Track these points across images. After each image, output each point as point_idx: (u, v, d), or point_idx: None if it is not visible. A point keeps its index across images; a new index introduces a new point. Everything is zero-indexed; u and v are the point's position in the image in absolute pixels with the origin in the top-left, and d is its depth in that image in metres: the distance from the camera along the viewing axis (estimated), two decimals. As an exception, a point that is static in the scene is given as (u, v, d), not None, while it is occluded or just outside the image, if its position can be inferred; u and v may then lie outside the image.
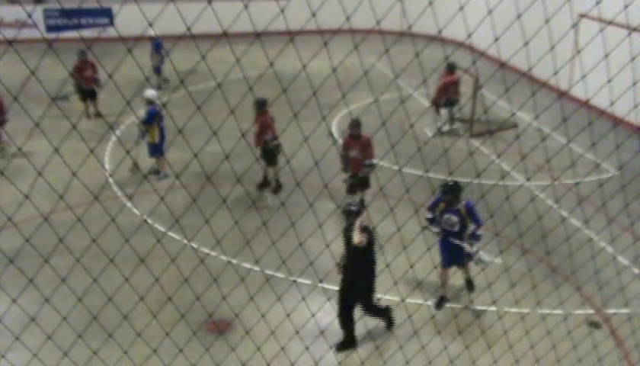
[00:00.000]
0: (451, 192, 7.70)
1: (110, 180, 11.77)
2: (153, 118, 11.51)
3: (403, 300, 6.54)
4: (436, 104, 14.72)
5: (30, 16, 22.61)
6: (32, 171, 11.51)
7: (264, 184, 10.59)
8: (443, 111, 14.77)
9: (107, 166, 12.42)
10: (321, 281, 6.53)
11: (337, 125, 14.31)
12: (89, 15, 24.25)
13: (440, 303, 7.64)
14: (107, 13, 24.27)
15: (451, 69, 14.46)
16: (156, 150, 11.82)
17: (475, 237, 7.69)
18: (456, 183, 7.74)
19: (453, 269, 7.83)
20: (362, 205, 7.07)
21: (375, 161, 9.95)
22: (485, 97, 14.60)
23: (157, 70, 16.93)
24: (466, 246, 7.58)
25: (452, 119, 14.87)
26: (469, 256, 7.60)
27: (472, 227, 7.77)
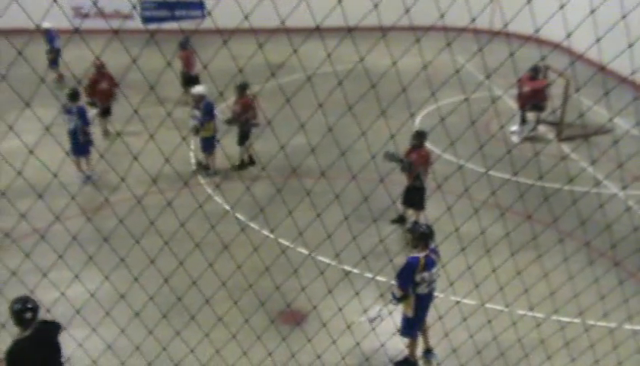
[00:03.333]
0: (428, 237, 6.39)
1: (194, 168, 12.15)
2: (212, 110, 11.66)
3: (483, 305, 6.40)
4: (523, 110, 14.19)
5: (135, 7, 23.61)
6: (128, 156, 12.07)
7: (243, 165, 12.23)
8: (530, 115, 14.21)
9: (191, 154, 12.82)
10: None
11: (420, 123, 14.14)
12: (182, 8, 25.04)
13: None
14: (200, 6, 25.00)
15: (535, 73, 13.87)
16: (210, 146, 12.00)
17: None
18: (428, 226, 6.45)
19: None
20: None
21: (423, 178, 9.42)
22: (581, 102, 14.00)
23: (53, 63, 17.38)
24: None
25: (537, 123, 14.31)
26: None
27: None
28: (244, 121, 11.93)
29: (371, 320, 6.22)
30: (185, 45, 15.66)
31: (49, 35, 17.29)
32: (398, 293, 6.29)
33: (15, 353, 4.92)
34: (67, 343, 5.97)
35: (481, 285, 5.81)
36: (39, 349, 5.03)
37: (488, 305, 6.48)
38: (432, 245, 6.33)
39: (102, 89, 13.12)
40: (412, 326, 6.52)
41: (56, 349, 5.14)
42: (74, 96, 10.94)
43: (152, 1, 24.70)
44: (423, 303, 6.40)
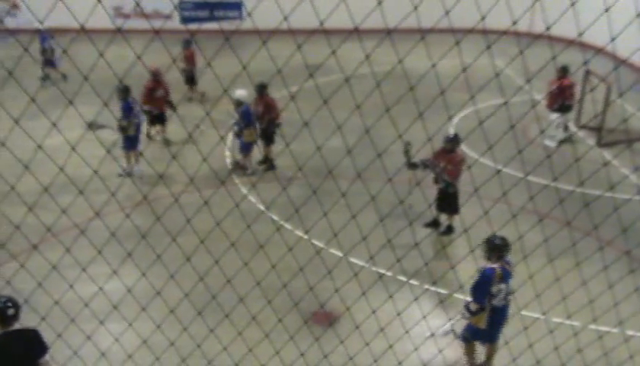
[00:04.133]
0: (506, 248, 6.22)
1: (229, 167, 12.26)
2: (250, 117, 11.68)
3: (544, 314, 6.30)
4: (550, 109, 13.90)
5: (176, 7, 24.00)
6: (167, 155, 12.29)
7: (264, 162, 12.36)
8: (555, 116, 13.88)
9: (227, 154, 12.94)
10: (434, 283, 6.42)
11: (455, 126, 14.01)
12: (221, 8, 25.32)
13: None
14: (238, 6, 25.24)
15: (564, 72, 13.60)
16: (248, 148, 12.05)
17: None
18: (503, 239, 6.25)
19: None
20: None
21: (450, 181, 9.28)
22: (624, 108, 13.68)
23: (50, 63, 17.23)
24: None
25: (566, 126, 14.01)
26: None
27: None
28: (268, 121, 11.95)
29: (444, 334, 6.07)
30: (189, 44, 15.89)
31: (41, 35, 17.40)
32: (474, 307, 6.04)
33: None
34: (104, 337, 6.09)
35: (517, 292, 5.73)
36: (16, 346, 5.11)
37: (523, 312, 6.38)
38: (507, 258, 6.10)
39: (159, 97, 13.11)
40: (477, 334, 6.28)
41: (31, 355, 5.20)
42: (124, 92, 11.25)
43: (191, 2, 25.05)
44: (498, 316, 6.18)
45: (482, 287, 5.97)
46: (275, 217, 9.87)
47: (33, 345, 5.16)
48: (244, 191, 11.26)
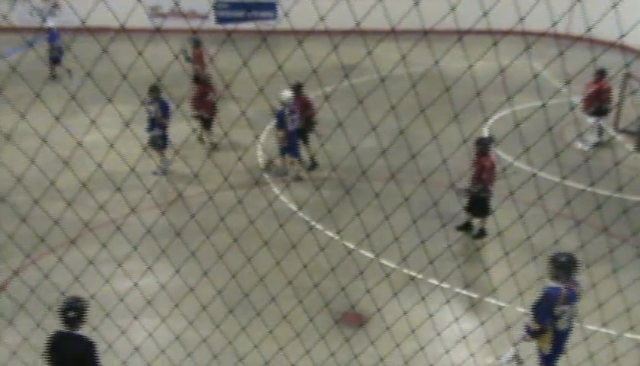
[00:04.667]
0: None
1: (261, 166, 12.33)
2: (282, 120, 11.66)
3: (579, 322, 6.20)
4: (586, 112, 13.62)
5: (215, 7, 24.27)
6: (202, 152, 12.43)
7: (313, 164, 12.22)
8: (591, 120, 13.60)
9: (259, 153, 13.02)
10: (467, 286, 6.36)
11: (490, 128, 13.85)
12: (256, 8, 25.50)
13: None
14: (272, 7, 25.38)
15: (601, 75, 13.31)
16: (284, 150, 12.04)
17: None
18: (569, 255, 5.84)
19: None
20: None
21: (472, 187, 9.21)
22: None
23: (56, 60, 17.97)
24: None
25: (600, 129, 13.71)
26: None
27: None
28: (305, 120, 11.98)
29: (507, 362, 5.87)
30: (198, 44, 16.04)
31: (51, 33, 18.10)
32: (534, 326, 5.72)
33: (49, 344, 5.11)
34: (137, 332, 6.19)
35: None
36: (67, 350, 5.12)
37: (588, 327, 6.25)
38: (575, 278, 5.74)
39: (209, 101, 13.03)
40: (550, 364, 6.02)
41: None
42: (154, 90, 11.41)
43: (226, 2, 25.28)
44: (561, 339, 5.86)
45: (544, 307, 5.63)
46: (306, 217, 9.90)
47: (83, 355, 5.14)
48: (276, 190, 11.32)
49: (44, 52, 17.71)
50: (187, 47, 16.02)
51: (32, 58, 13.03)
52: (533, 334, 5.78)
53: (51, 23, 18.38)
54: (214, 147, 13.33)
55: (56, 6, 24.70)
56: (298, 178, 11.81)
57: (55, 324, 5.33)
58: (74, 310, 5.08)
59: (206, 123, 13.32)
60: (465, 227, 9.77)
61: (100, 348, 5.84)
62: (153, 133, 11.78)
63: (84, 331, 5.18)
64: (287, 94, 11.54)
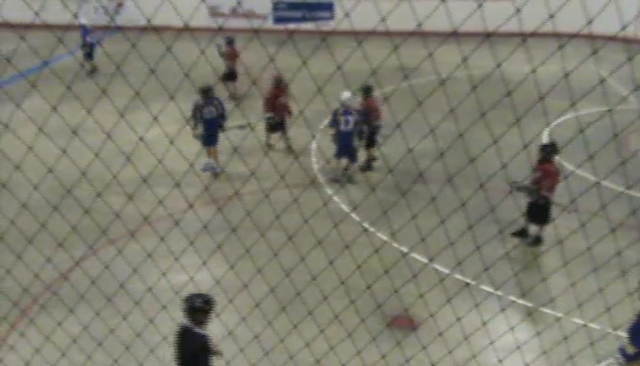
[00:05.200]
0: None
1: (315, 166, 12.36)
2: (335, 119, 11.63)
3: (614, 330, 6.00)
4: None
5: (275, 7, 24.56)
6: (259, 151, 12.55)
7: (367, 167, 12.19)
8: None
9: (313, 152, 13.06)
10: (523, 295, 6.22)
11: (549, 134, 13.50)
12: (313, 9, 25.62)
13: None
14: (329, 7, 25.45)
15: None
16: (341, 151, 11.94)
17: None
18: None
19: None
20: None
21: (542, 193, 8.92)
22: None
23: (88, 56, 18.76)
24: None
25: None
26: None
27: None
28: (370, 123, 11.93)
29: None
30: (231, 41, 16.16)
31: (84, 30, 18.79)
32: (631, 350, 5.43)
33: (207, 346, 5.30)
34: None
35: (612, 309, 5.44)
36: (186, 343, 5.32)
37: (618, 332, 6.07)
38: None
39: (281, 103, 12.89)
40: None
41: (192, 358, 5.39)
42: (208, 91, 11.52)
43: (284, 2, 25.50)
44: None
45: None
46: (357, 218, 9.88)
47: (196, 350, 5.33)
48: (329, 191, 11.33)
49: (79, 48, 18.78)
50: (221, 43, 16.24)
51: (99, 55, 13.48)
52: (631, 358, 5.47)
53: (83, 20, 19.02)
54: (290, 151, 13.06)
55: (120, 5, 25.47)
56: (350, 180, 11.79)
57: (112, 314, 5.50)
58: (200, 310, 5.25)
59: (275, 127, 13.09)
60: (521, 233, 9.54)
61: (155, 339, 5.99)
62: (210, 131, 11.79)
63: (140, 322, 5.32)
64: (346, 94, 11.49)
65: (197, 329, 5.28)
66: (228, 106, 13.14)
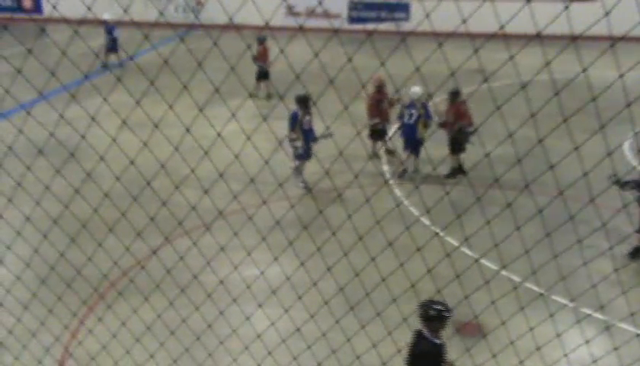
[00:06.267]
0: None
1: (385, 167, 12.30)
2: (400, 112, 11.61)
3: None
4: None
5: (351, 7, 24.61)
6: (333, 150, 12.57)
7: (453, 173, 11.80)
8: None
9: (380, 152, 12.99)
10: (601, 308, 5.98)
11: (630, 146, 12.87)
12: (389, 9, 25.51)
13: None
14: (405, 7, 25.27)
15: None
16: (408, 145, 11.91)
17: None
18: None
19: None
20: None
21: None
22: None
23: (113, 50, 19.35)
24: None
25: None
26: None
27: None
28: (458, 129, 11.62)
29: None
30: (262, 40, 16.15)
31: (108, 26, 19.45)
32: None
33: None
34: (259, 320, 6.40)
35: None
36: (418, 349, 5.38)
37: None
38: None
39: (385, 109, 12.57)
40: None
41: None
42: (307, 100, 10.72)
43: (361, 3, 25.50)
44: None
45: None
46: (427, 222, 9.76)
47: (427, 358, 5.40)
48: (398, 192, 11.26)
49: (102, 42, 19.56)
50: (253, 45, 15.44)
51: (182, 51, 13.85)
52: None
53: (107, 16, 19.59)
54: (392, 154, 12.73)
55: (199, 4, 26.18)
56: (408, 176, 11.75)
57: (185, 304, 5.64)
58: (433, 319, 5.32)
59: (380, 133, 12.67)
60: (637, 253, 8.88)
61: (224, 332, 6.12)
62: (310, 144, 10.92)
63: (212, 313, 5.42)
64: (415, 88, 11.58)
65: (431, 337, 5.30)
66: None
